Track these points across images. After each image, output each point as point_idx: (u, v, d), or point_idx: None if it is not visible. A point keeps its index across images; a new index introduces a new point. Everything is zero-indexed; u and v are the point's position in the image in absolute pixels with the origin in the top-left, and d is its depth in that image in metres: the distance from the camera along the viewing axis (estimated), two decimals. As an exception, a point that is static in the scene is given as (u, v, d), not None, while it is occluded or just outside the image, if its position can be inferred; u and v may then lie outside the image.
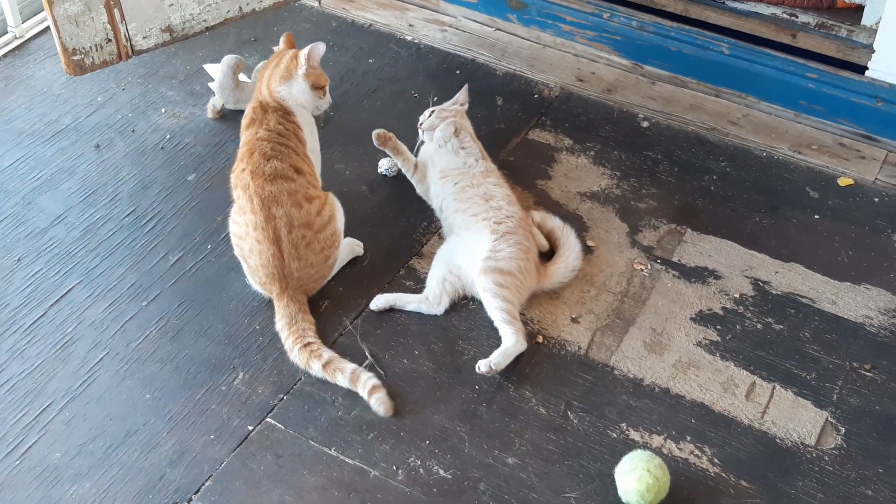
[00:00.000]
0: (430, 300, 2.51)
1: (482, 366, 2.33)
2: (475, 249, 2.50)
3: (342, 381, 2.29)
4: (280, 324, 2.40)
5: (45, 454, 2.19)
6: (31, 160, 2.92)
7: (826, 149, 3.07)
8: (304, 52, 2.47)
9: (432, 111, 2.77)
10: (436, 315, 2.50)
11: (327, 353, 2.33)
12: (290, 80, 2.49)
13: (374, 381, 2.28)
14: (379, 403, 2.26)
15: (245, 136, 2.48)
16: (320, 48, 2.48)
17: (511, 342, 2.37)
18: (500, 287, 2.42)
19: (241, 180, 2.40)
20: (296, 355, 2.34)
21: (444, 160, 2.67)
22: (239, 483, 2.14)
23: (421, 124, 2.76)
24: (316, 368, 2.31)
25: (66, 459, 2.18)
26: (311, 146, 2.52)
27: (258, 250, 2.38)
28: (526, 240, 2.53)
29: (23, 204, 2.78)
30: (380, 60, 3.37)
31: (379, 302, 2.50)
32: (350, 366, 2.30)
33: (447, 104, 2.81)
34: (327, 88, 2.56)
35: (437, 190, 2.67)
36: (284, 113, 2.48)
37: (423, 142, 2.78)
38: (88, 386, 2.32)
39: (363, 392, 2.27)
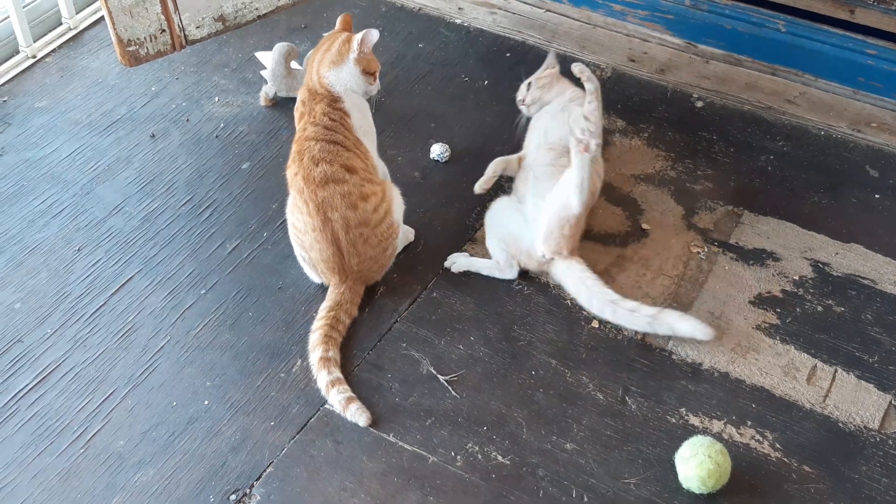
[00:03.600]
0: (502, 265, 2.53)
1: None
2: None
3: (322, 379, 2.28)
4: (325, 304, 2.41)
5: (110, 441, 2.22)
6: (89, 150, 2.96)
7: (886, 126, 3.02)
8: (357, 36, 2.46)
9: (528, 83, 2.75)
10: (510, 279, 2.53)
11: (333, 353, 2.33)
12: (340, 64, 2.46)
13: (350, 393, 2.26)
14: (356, 414, 2.23)
15: (297, 129, 2.48)
16: (374, 34, 2.47)
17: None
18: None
19: (294, 184, 2.40)
20: (313, 336, 2.35)
21: (557, 133, 2.61)
22: (300, 469, 2.16)
23: (523, 100, 2.75)
24: (314, 357, 2.32)
25: (129, 447, 2.21)
26: (363, 129, 2.49)
27: (318, 248, 2.40)
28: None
29: (81, 194, 2.81)
30: (430, 45, 3.36)
31: (458, 266, 2.55)
32: (335, 374, 2.29)
33: (539, 73, 2.78)
34: (377, 74, 2.55)
35: (535, 158, 2.63)
36: (331, 100, 2.46)
37: (526, 118, 2.78)
38: (150, 374, 2.36)
39: (336, 403, 2.26)
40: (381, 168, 2.58)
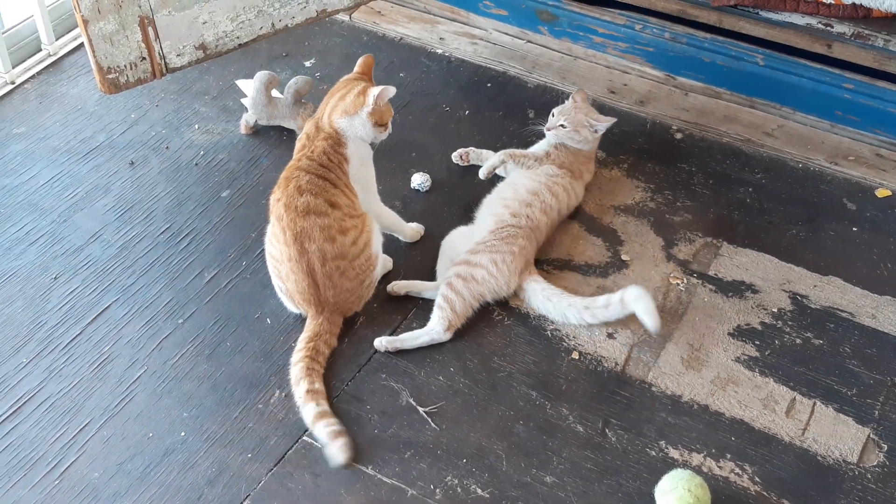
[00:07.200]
0: (437, 328, 2.50)
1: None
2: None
3: (308, 412, 2.26)
4: (304, 335, 2.40)
5: (84, 473, 2.19)
6: (67, 178, 2.94)
7: (863, 160, 3.04)
8: (373, 91, 2.41)
9: (562, 124, 2.75)
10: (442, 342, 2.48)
11: (318, 385, 2.31)
12: (353, 115, 2.43)
13: (338, 426, 2.24)
14: (341, 449, 2.21)
15: (293, 158, 2.47)
16: (390, 91, 2.43)
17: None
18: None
19: (275, 210, 2.39)
20: (295, 369, 2.33)
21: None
22: (276, 503, 2.13)
23: (549, 129, 2.79)
24: (300, 390, 2.29)
25: (104, 479, 2.18)
26: (356, 176, 2.47)
27: (294, 279, 2.38)
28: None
29: (59, 222, 2.79)
30: (411, 74, 3.37)
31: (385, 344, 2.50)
32: (323, 407, 2.27)
33: (574, 123, 2.77)
34: (390, 122, 2.51)
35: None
36: (336, 143, 2.44)
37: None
38: (126, 404, 2.33)
39: (322, 435, 2.23)
40: (391, 217, 2.65)
